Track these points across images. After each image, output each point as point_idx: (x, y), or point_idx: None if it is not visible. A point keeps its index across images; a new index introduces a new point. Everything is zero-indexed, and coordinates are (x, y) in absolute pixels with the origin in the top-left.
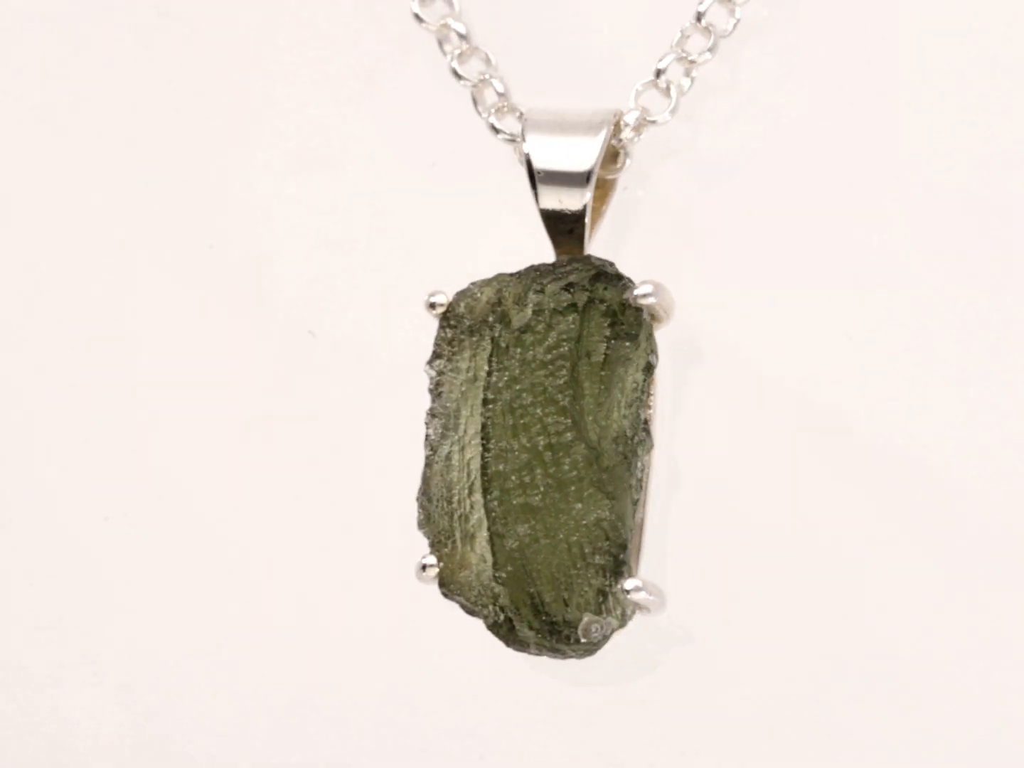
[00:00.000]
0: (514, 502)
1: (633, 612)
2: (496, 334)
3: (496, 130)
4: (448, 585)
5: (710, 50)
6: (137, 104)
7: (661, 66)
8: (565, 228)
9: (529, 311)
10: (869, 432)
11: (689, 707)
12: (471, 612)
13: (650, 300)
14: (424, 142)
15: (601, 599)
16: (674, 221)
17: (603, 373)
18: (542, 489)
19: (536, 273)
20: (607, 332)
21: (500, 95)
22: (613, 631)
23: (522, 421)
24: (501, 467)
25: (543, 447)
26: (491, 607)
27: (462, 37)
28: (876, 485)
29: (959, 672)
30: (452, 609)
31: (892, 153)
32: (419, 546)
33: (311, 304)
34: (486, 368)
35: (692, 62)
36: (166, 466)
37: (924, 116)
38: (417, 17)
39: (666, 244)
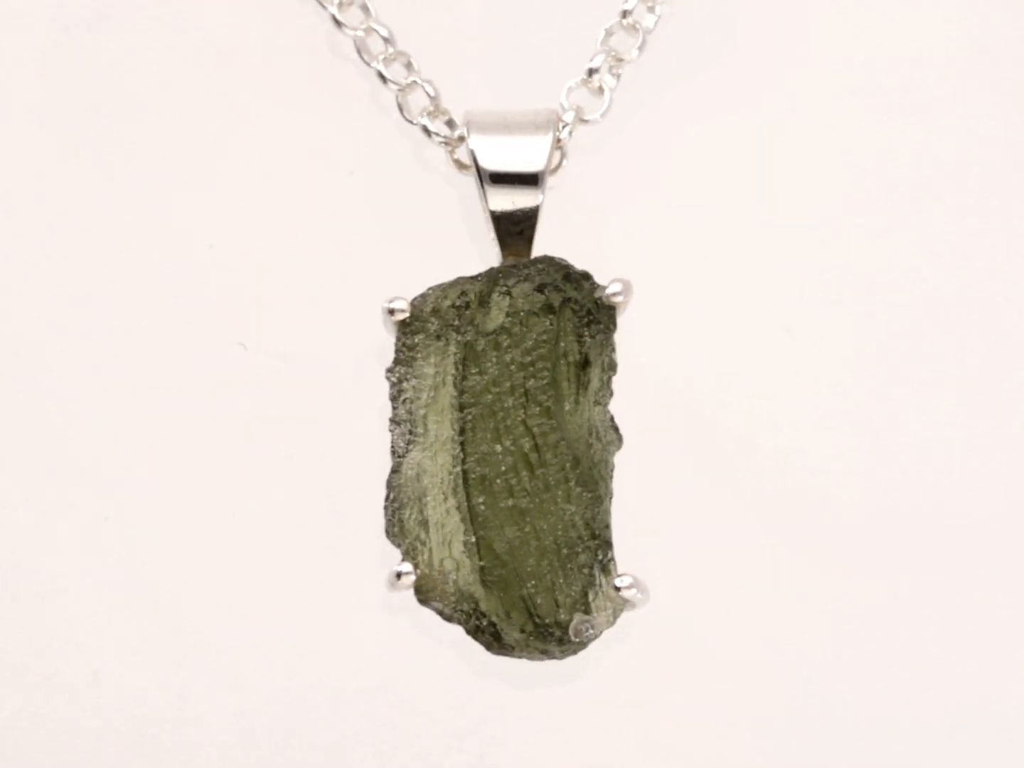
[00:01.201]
0: (501, 505)
1: (622, 608)
2: (468, 338)
3: (429, 133)
4: (424, 592)
5: (639, 48)
6: (65, 109)
7: (593, 65)
8: (516, 229)
9: (502, 313)
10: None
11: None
12: (448, 619)
13: (620, 299)
14: (343, 149)
15: (592, 598)
16: (587, 220)
17: (579, 373)
18: (530, 491)
19: (497, 275)
20: (582, 332)
21: (431, 98)
22: (603, 630)
23: (505, 424)
24: (486, 471)
25: (528, 449)
26: (471, 613)
27: (387, 41)
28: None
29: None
30: (422, 616)
31: (809, 149)
32: (375, 555)
33: (243, 316)
34: (454, 372)
35: (620, 60)
36: (123, 478)
37: (838, 114)
38: (336, 21)
39: (578, 243)
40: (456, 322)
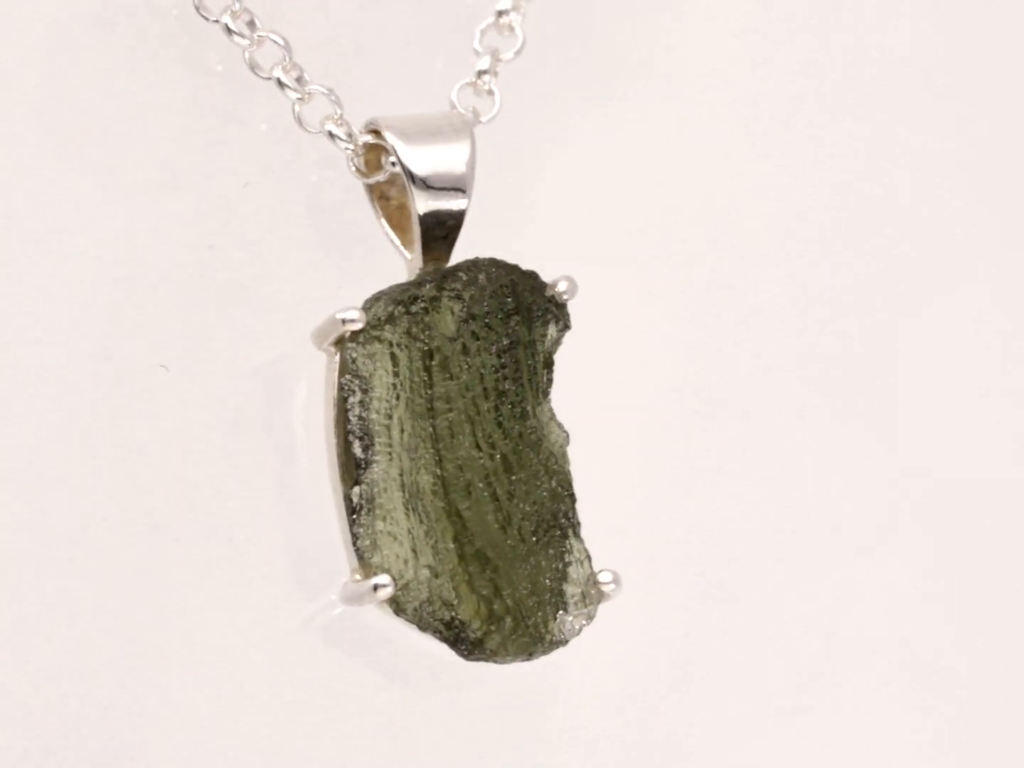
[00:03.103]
0: (485, 509)
1: (600, 602)
2: (434, 344)
3: (334, 138)
4: (400, 603)
5: (517, 51)
6: None
7: (481, 67)
8: (441, 233)
9: (456, 318)
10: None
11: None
12: (424, 629)
13: (567, 296)
14: (235, 161)
15: (572, 595)
16: (495, 221)
17: (544, 372)
18: (514, 493)
19: (443, 279)
20: (542, 331)
21: (335, 104)
22: (584, 626)
23: (482, 428)
24: (469, 476)
25: (509, 451)
26: (450, 621)
27: (284, 49)
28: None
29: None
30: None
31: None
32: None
33: (161, 336)
34: (417, 379)
35: (499, 60)
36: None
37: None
38: (228, 30)
39: (494, 243)
40: (413, 329)
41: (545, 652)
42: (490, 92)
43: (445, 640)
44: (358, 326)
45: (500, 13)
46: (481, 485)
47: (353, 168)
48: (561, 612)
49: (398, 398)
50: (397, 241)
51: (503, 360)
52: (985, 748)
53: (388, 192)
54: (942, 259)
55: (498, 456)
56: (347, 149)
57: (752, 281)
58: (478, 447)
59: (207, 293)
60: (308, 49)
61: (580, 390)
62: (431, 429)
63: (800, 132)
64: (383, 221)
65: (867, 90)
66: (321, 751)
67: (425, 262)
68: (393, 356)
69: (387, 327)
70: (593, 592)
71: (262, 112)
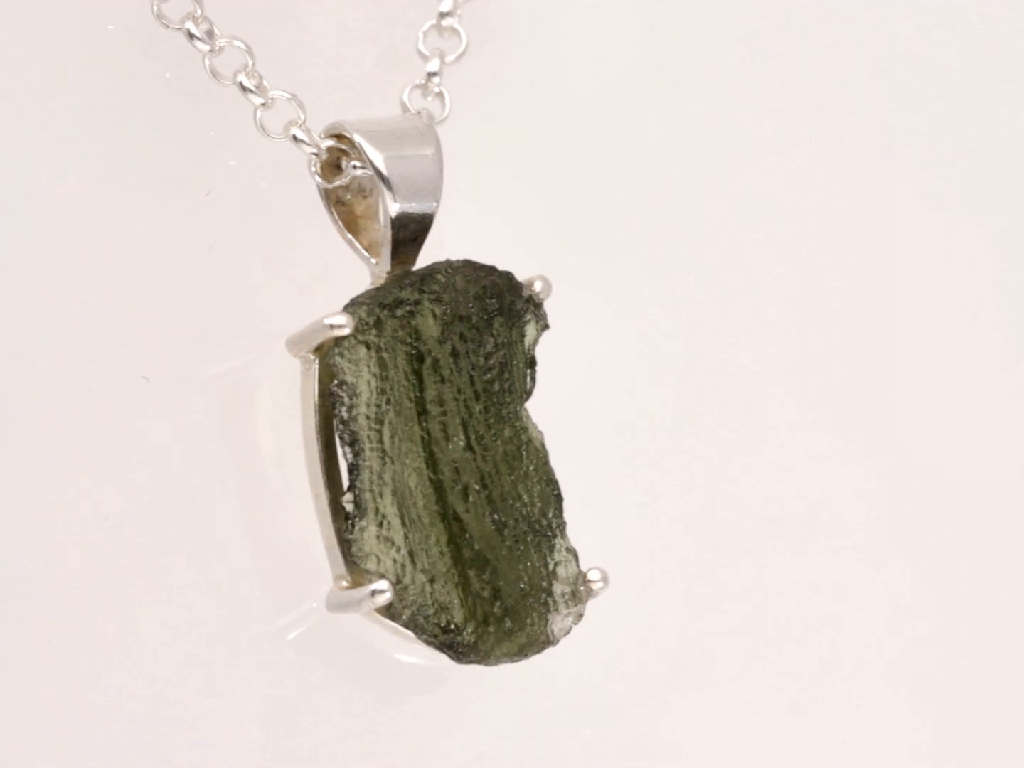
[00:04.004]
0: (481, 511)
1: (587, 600)
2: (422, 347)
3: (298, 143)
4: (395, 608)
5: (461, 54)
6: None
7: (431, 68)
8: (410, 236)
9: (438, 320)
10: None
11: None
12: (419, 633)
13: (543, 296)
14: (194, 171)
15: (562, 594)
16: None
17: (528, 372)
18: (507, 495)
19: (418, 282)
20: (524, 331)
21: (300, 109)
22: (574, 625)
23: (474, 430)
24: (465, 478)
25: (503, 453)
26: (445, 625)
27: (248, 54)
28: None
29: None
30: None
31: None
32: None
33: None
34: (403, 383)
35: (444, 63)
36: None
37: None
38: (191, 35)
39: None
40: (399, 333)
41: (536, 652)
42: (439, 94)
43: (439, 645)
44: (346, 331)
45: (442, 15)
46: (477, 487)
47: (316, 172)
48: (552, 612)
49: (388, 402)
50: (358, 245)
51: (491, 362)
52: (985, 747)
53: (343, 196)
54: (942, 259)
55: (490, 457)
56: (312, 154)
57: (732, 273)
58: (471, 449)
59: (161, 301)
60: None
61: (557, 389)
62: (423, 432)
63: (783, 121)
64: (341, 226)
65: (858, 88)
66: (304, 758)
67: (393, 266)
68: (381, 360)
69: (373, 331)
70: (582, 590)
71: (212, 119)
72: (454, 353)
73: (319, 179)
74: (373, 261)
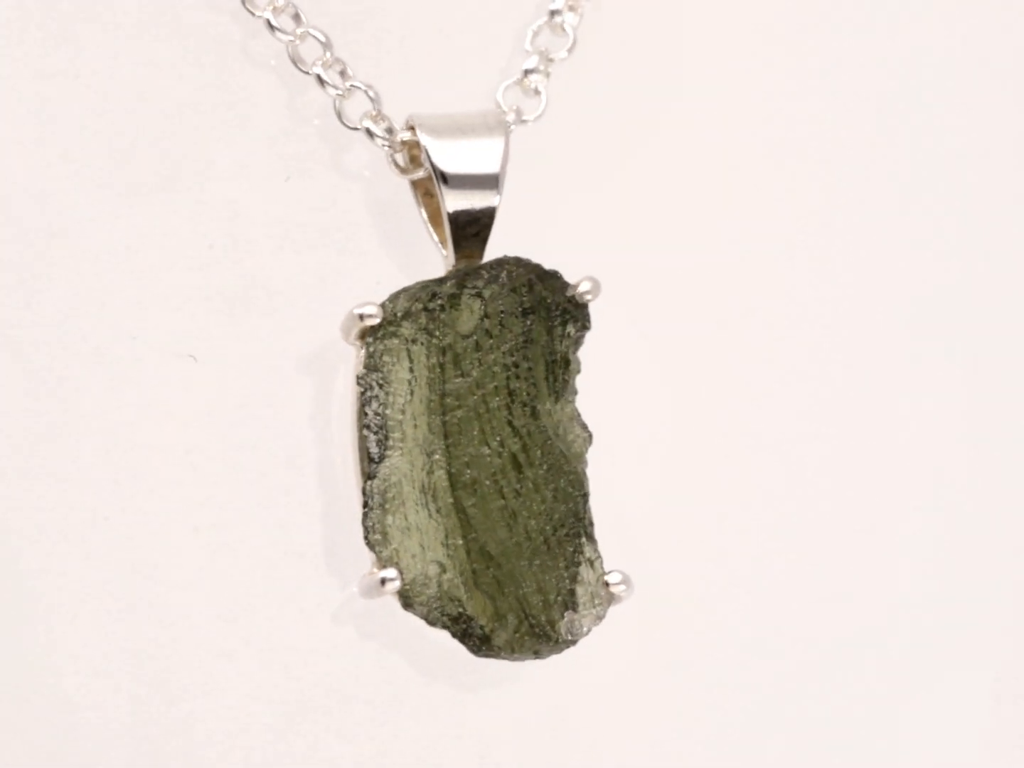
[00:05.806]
0: (491, 507)
1: (610, 603)
2: (446, 341)
3: (373, 136)
4: (408, 597)
5: (569, 49)
6: None
7: (528, 66)
8: (472, 231)
9: (475, 316)
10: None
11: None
12: (433, 623)
13: (590, 296)
14: (276, 156)
15: (582, 595)
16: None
17: (559, 372)
18: (519, 492)
19: (464, 277)
20: (559, 331)
21: (373, 102)
22: (592, 626)
23: (491, 425)
24: (476, 473)
25: (517, 450)
26: (457, 616)
27: (324, 46)
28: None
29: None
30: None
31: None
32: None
33: (191, 328)
34: (432, 375)
35: (551, 60)
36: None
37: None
38: (271, 26)
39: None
40: (430, 325)
41: (554, 651)
42: (537, 92)
43: (454, 635)
44: (375, 321)
45: (553, 13)
46: (488, 483)
47: (393, 165)
48: (569, 612)
49: (412, 394)
50: (436, 238)
51: (515, 358)
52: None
53: (432, 189)
54: (942, 258)
55: (506, 454)
56: (384, 146)
57: (778, 285)
58: (487, 444)
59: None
60: (351, 44)
61: (602, 390)
62: (442, 426)
63: (826, 137)
64: (425, 218)
65: (874, 95)
66: (332, 740)
67: (457, 259)
68: (409, 352)
69: (404, 323)
70: (603, 593)
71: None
72: (478, 348)
73: (396, 171)
74: (444, 253)
